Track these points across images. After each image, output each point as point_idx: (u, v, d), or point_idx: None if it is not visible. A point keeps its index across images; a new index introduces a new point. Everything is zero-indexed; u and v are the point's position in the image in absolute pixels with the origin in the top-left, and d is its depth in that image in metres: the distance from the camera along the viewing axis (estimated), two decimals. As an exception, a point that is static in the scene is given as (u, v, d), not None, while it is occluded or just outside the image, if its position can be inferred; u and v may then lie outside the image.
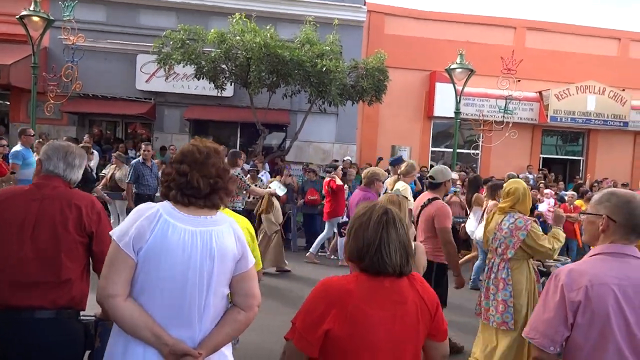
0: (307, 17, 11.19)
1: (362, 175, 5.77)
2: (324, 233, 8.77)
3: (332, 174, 9.15)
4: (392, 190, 6.17)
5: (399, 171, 6.23)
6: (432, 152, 15.60)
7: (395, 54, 13.74)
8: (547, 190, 10.77)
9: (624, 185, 12.63)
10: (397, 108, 14.49)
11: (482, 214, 7.23)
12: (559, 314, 1.87)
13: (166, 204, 1.94)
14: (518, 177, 11.91)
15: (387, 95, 11.98)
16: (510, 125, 12.01)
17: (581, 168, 16.45)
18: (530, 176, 13.21)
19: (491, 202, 6.90)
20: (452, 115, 11.73)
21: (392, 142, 13.34)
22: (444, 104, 13.52)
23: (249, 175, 9.78)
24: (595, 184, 12.78)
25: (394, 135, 14.02)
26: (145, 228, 1.83)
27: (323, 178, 11.12)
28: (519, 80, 13.39)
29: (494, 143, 12.78)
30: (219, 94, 11.69)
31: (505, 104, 12.23)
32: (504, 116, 12.19)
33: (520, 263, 3.83)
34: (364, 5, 14.09)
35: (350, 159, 12.26)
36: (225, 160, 2.09)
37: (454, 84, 11.48)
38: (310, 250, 8.69)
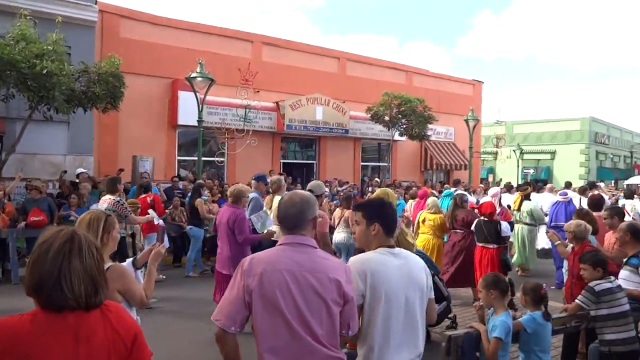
0: (23, 10, 9.68)
1: (228, 192, 6.04)
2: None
3: None
4: (270, 208, 6.44)
5: (271, 189, 6.62)
6: (180, 161, 15.37)
7: (133, 59, 13.09)
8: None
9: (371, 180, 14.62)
10: (138, 116, 13.80)
11: (339, 222, 7.84)
12: (239, 297, 2.07)
13: None
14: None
15: (127, 102, 11.28)
16: (250, 133, 12.66)
17: (315, 170, 18.50)
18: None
19: (347, 211, 7.50)
20: (196, 123, 11.74)
21: (134, 152, 12.57)
22: (188, 113, 13.44)
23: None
24: (327, 183, 14.49)
25: (136, 145, 13.26)
26: None
27: (52, 195, 9.86)
28: (257, 91, 14.30)
29: (237, 150, 13.29)
30: None
31: (245, 113, 12.87)
32: (244, 124, 12.79)
33: None
34: (95, 4, 12.97)
35: (85, 171, 11.10)
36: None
37: (195, 92, 11.52)
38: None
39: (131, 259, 3.46)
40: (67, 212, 9.00)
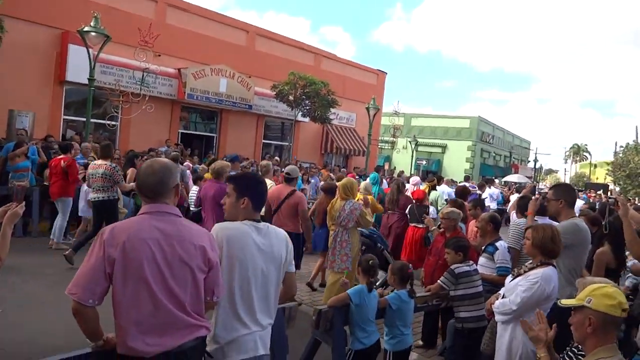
0: None
1: (210, 169, 6.76)
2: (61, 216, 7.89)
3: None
4: None
5: (260, 172, 7.18)
6: (67, 120, 14.22)
7: (18, 2, 11.80)
8: (186, 163, 11.48)
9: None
10: (19, 67, 12.47)
11: None
12: (98, 268, 1.99)
13: None
14: (157, 151, 12.18)
15: (6, 50, 10.18)
16: (147, 98, 12.04)
17: (215, 144, 18.08)
18: (163, 149, 13.57)
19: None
20: (87, 82, 10.91)
21: (11, 105, 11.34)
22: (79, 69, 12.43)
23: None
24: (225, 159, 14.25)
25: (15, 98, 11.94)
26: None
27: None
28: (159, 55, 13.58)
29: (132, 115, 12.59)
30: None
31: (143, 77, 12.19)
32: (141, 89, 12.12)
33: (354, 230, 5.83)
34: None
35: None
36: None
37: (87, 48, 10.69)
38: (54, 239, 7.83)
39: None
40: None
